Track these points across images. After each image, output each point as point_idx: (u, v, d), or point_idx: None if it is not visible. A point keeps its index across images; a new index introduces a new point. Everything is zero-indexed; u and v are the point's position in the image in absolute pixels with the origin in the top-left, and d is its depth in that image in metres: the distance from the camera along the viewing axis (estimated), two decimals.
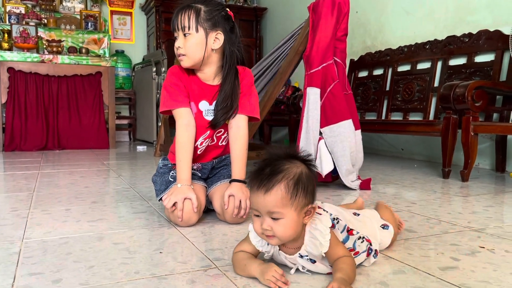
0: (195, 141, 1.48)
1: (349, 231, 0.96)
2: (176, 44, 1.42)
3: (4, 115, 4.04)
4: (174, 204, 1.36)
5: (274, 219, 0.86)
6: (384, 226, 1.11)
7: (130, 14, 5.76)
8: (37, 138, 4.14)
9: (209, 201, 1.54)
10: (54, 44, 4.30)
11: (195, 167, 1.53)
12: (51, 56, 4.17)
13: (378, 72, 3.74)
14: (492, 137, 2.85)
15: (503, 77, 2.70)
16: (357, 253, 0.96)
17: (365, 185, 2.11)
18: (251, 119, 1.55)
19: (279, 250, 0.95)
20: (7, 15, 4.53)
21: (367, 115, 3.76)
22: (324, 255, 0.90)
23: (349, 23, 2.13)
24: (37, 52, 4.29)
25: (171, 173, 1.53)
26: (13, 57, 4.03)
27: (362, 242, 0.97)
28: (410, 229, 1.37)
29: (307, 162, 0.90)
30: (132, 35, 5.79)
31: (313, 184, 0.89)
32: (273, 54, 2.32)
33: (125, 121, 5.48)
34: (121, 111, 5.57)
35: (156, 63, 4.71)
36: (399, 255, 1.11)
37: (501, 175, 2.67)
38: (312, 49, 2.07)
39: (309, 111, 2.04)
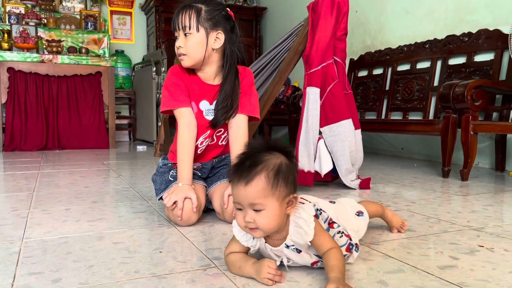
0: (196, 140, 1.48)
1: (330, 224, 0.98)
2: (177, 43, 1.43)
3: (4, 115, 4.05)
4: (175, 203, 1.37)
5: (256, 211, 0.85)
6: (359, 213, 1.13)
7: (130, 14, 5.76)
8: (37, 138, 4.14)
9: (208, 201, 1.54)
10: (54, 44, 4.30)
11: (195, 167, 1.54)
12: (51, 56, 4.17)
13: (378, 71, 3.74)
14: (491, 136, 2.85)
15: (503, 76, 2.70)
16: None
17: (364, 184, 2.11)
18: (251, 119, 1.55)
19: (265, 243, 0.95)
20: (7, 15, 4.53)
21: (367, 115, 3.76)
22: (309, 244, 0.90)
23: (348, 23, 2.14)
24: (37, 52, 4.29)
25: (171, 173, 1.53)
26: (13, 57, 4.04)
27: (341, 237, 0.98)
28: (410, 228, 1.37)
29: (287, 152, 0.90)
30: (132, 35, 5.79)
31: (294, 174, 0.89)
32: (272, 52, 2.33)
33: (125, 121, 5.49)
34: (121, 111, 5.58)
35: (156, 63, 4.71)
36: (398, 254, 1.11)
37: (501, 174, 2.67)
38: (312, 49, 2.07)
39: (309, 111, 2.04)
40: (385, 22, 3.78)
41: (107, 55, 4.72)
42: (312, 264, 0.96)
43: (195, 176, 1.51)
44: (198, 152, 1.53)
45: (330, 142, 2.05)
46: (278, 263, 0.95)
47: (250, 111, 1.52)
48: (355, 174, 2.14)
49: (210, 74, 1.49)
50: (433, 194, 1.98)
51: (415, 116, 3.30)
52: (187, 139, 1.43)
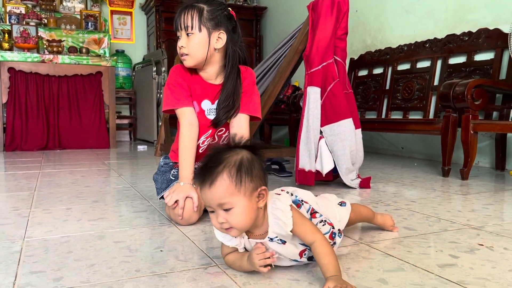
0: (197, 140, 1.49)
1: (313, 214, 0.98)
2: (179, 43, 1.43)
3: (5, 115, 4.05)
4: (176, 202, 1.37)
5: (226, 210, 0.85)
6: (342, 203, 1.14)
7: (130, 13, 5.77)
8: (37, 138, 4.15)
9: None
10: (55, 44, 4.31)
11: (196, 166, 1.54)
12: (51, 56, 4.17)
13: (378, 71, 3.74)
14: (492, 135, 2.86)
15: (503, 75, 2.71)
16: None
17: (365, 183, 2.12)
18: (252, 118, 1.56)
19: (248, 239, 0.94)
20: (7, 15, 4.54)
21: (367, 114, 3.76)
22: (291, 233, 0.89)
23: (348, 22, 2.14)
24: (38, 52, 4.30)
25: (172, 172, 1.53)
26: (14, 57, 4.04)
27: (323, 225, 0.98)
28: (410, 227, 1.38)
29: (249, 147, 0.90)
30: (132, 35, 5.80)
31: (259, 167, 0.88)
32: (275, 54, 2.33)
33: (125, 121, 5.49)
34: (121, 111, 5.58)
35: (157, 62, 4.71)
36: (398, 252, 1.12)
37: (501, 173, 2.67)
38: (312, 48, 2.07)
39: (309, 110, 2.05)
40: (385, 21, 3.78)
41: (107, 55, 4.72)
42: (300, 254, 0.95)
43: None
44: (200, 151, 1.53)
45: (330, 141, 2.05)
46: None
47: (251, 110, 1.53)
48: (355, 173, 2.14)
49: (212, 74, 1.50)
50: (433, 193, 1.99)
51: (415, 116, 3.30)
52: (188, 139, 1.44)
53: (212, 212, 0.88)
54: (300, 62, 2.24)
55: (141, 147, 4.39)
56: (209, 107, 1.50)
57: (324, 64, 2.07)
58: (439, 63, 3.15)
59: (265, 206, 0.91)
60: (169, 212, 1.44)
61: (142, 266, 1.02)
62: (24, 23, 4.39)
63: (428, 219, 1.49)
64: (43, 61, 4.14)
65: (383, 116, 3.52)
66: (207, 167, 0.86)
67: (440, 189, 2.09)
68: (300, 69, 2.35)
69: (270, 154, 2.50)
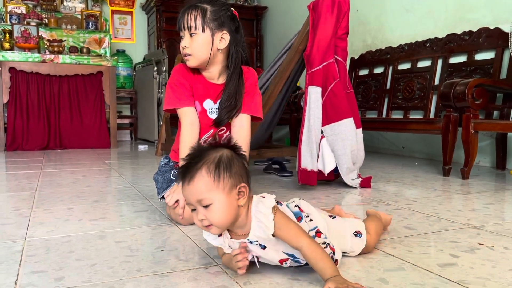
0: (199, 139, 1.49)
1: (317, 233, 0.95)
2: (182, 43, 1.43)
3: (6, 115, 4.06)
4: (176, 202, 1.37)
5: (205, 207, 0.85)
6: (357, 234, 1.07)
7: (130, 13, 5.77)
8: (38, 137, 4.16)
9: None
10: (55, 44, 4.31)
11: None
12: (52, 56, 4.18)
13: (378, 70, 3.74)
14: (492, 135, 2.86)
15: (503, 75, 2.71)
16: None
17: (365, 183, 2.12)
18: (253, 119, 1.56)
19: (231, 238, 0.94)
20: (8, 15, 4.54)
21: (368, 114, 3.76)
22: (273, 237, 0.88)
23: (349, 22, 2.14)
24: (39, 52, 4.31)
25: (172, 172, 1.54)
26: (15, 57, 4.05)
27: (325, 248, 0.94)
28: (410, 226, 1.38)
29: (230, 146, 0.90)
30: (133, 35, 5.80)
31: (239, 165, 0.88)
32: (281, 59, 2.32)
33: (126, 121, 5.50)
34: (122, 111, 5.58)
35: (157, 62, 4.71)
36: (398, 252, 1.12)
37: (502, 172, 2.67)
38: (313, 48, 2.07)
39: (310, 110, 2.05)
40: (386, 21, 3.78)
41: (108, 54, 4.72)
42: (280, 262, 0.93)
43: None
44: None
45: (331, 141, 2.05)
46: (249, 257, 0.94)
47: (253, 111, 1.53)
48: (356, 173, 2.14)
49: (215, 74, 1.50)
50: (434, 192, 1.99)
51: (416, 115, 3.30)
52: (189, 138, 1.43)
53: (194, 210, 0.88)
54: (301, 62, 2.24)
55: (142, 147, 4.39)
56: (211, 107, 1.50)
57: (325, 63, 2.07)
58: (439, 62, 3.15)
59: (249, 207, 0.90)
60: (170, 212, 1.44)
61: (143, 265, 1.03)
62: (25, 23, 4.39)
63: (428, 218, 1.49)
64: (44, 61, 4.15)
65: (384, 116, 3.52)
66: (187, 165, 0.87)
67: (441, 189, 2.09)
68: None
69: (271, 153, 2.51)
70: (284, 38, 5.20)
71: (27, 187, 2.14)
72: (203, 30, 1.40)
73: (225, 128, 1.55)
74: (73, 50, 4.44)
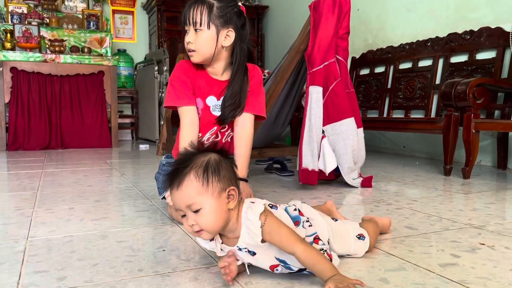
0: (202, 137, 1.49)
1: (315, 239, 0.95)
2: (187, 39, 1.41)
3: (8, 114, 4.07)
4: None
5: (195, 212, 0.84)
6: (360, 237, 1.07)
7: (131, 13, 5.77)
8: (40, 137, 4.17)
9: None
10: (57, 43, 4.32)
11: None
12: (53, 56, 4.18)
13: (379, 69, 3.74)
14: (493, 134, 2.85)
15: (505, 74, 2.70)
16: None
17: (366, 182, 2.12)
18: (257, 118, 1.55)
19: (222, 243, 0.93)
20: (9, 15, 4.55)
21: (369, 113, 3.76)
22: (262, 243, 0.86)
23: (350, 21, 2.14)
24: (40, 51, 4.31)
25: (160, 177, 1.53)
26: (16, 56, 4.05)
27: (323, 254, 0.93)
28: (411, 226, 1.38)
29: (218, 150, 0.90)
30: (134, 34, 5.80)
31: (227, 168, 0.88)
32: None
33: (127, 120, 5.50)
34: (123, 110, 5.59)
35: (158, 62, 4.72)
36: (399, 252, 1.12)
37: (503, 172, 2.67)
38: (314, 48, 2.07)
39: (311, 110, 2.05)
40: (387, 20, 3.78)
41: (109, 54, 4.73)
42: (271, 268, 0.92)
43: None
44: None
45: (332, 140, 2.05)
46: (239, 263, 0.93)
47: (257, 110, 1.52)
48: (357, 172, 2.15)
49: (219, 70, 1.48)
50: (435, 192, 1.99)
51: (417, 114, 3.30)
52: (189, 138, 1.43)
53: (184, 216, 0.87)
54: (302, 62, 2.24)
55: (143, 146, 4.40)
56: (214, 103, 1.49)
57: (326, 63, 2.07)
58: (440, 61, 3.15)
59: (240, 211, 0.89)
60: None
61: (145, 265, 1.03)
62: (26, 22, 4.40)
63: (429, 218, 1.49)
64: (45, 61, 4.15)
65: (385, 115, 3.52)
66: (174, 170, 0.86)
67: (442, 188, 2.09)
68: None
69: (272, 153, 2.51)
70: (285, 38, 5.20)
71: (29, 186, 2.14)
72: (209, 27, 1.38)
73: (226, 126, 1.54)
74: (74, 49, 4.45)
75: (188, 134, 1.44)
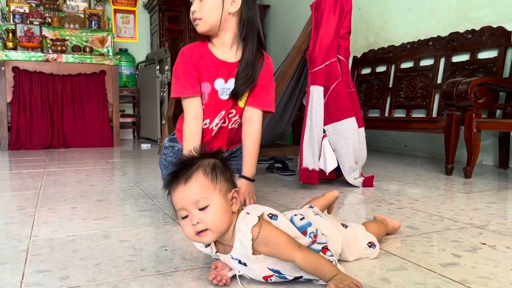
0: (210, 123, 1.44)
1: (323, 249, 0.93)
2: (192, 8, 1.38)
3: (10, 114, 4.08)
4: None
5: (201, 209, 0.82)
6: (371, 245, 1.07)
7: (133, 12, 5.78)
8: (42, 136, 4.18)
9: None
10: (58, 43, 4.33)
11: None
12: (55, 55, 4.19)
13: (381, 69, 3.74)
14: (495, 134, 2.85)
15: (506, 73, 2.70)
16: None
17: (368, 182, 2.12)
18: (265, 111, 1.50)
19: (216, 252, 0.92)
20: (11, 14, 4.56)
21: (370, 112, 3.76)
22: (253, 256, 0.85)
23: (351, 20, 2.14)
24: (42, 51, 4.32)
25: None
26: (18, 56, 4.06)
27: (322, 256, 0.92)
28: (413, 226, 1.38)
29: (218, 156, 0.89)
30: (135, 34, 5.81)
31: (230, 172, 0.88)
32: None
33: (129, 119, 5.51)
34: (125, 109, 5.60)
35: (160, 61, 4.73)
36: (401, 251, 1.12)
37: (504, 171, 2.67)
38: (315, 47, 2.08)
39: (312, 109, 2.05)
40: (388, 19, 3.77)
41: (111, 53, 4.74)
42: (265, 278, 0.90)
43: None
44: (212, 134, 1.47)
45: (333, 140, 2.06)
46: (231, 273, 0.93)
47: (266, 105, 1.47)
48: (358, 172, 2.15)
49: (227, 41, 1.42)
50: (436, 191, 1.99)
51: (418, 114, 3.30)
52: (193, 131, 1.40)
53: (185, 217, 0.84)
54: (303, 61, 2.24)
55: (145, 146, 4.40)
56: (222, 87, 1.42)
57: (327, 63, 2.07)
58: (442, 61, 3.15)
59: (236, 220, 0.87)
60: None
61: (147, 265, 1.03)
62: (28, 22, 4.41)
63: (431, 218, 1.49)
64: (47, 60, 4.16)
65: (386, 114, 3.52)
66: (180, 170, 0.85)
67: (443, 188, 2.09)
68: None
69: (273, 152, 2.51)
70: (286, 37, 5.20)
71: (31, 186, 2.15)
72: None
73: (234, 111, 1.47)
74: (76, 49, 4.45)
75: (192, 128, 1.41)
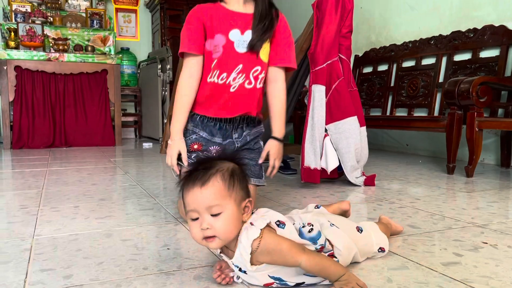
0: (227, 77, 1.36)
1: (330, 255, 0.93)
2: None
3: (12, 113, 4.09)
4: (179, 165, 1.33)
5: (213, 216, 0.81)
6: (381, 250, 1.08)
7: (135, 11, 5.79)
8: (44, 135, 4.19)
9: None
10: (60, 42, 4.33)
11: (213, 122, 1.39)
12: (57, 54, 4.20)
13: (382, 68, 3.73)
14: (497, 133, 2.85)
15: (508, 72, 2.70)
16: None
17: (369, 181, 2.12)
18: (287, 69, 1.47)
19: (220, 253, 0.92)
20: (13, 13, 4.56)
21: (372, 111, 3.76)
22: (250, 268, 0.84)
23: (353, 19, 2.14)
24: (44, 50, 4.33)
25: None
26: (20, 55, 4.07)
27: (327, 256, 0.92)
28: (414, 225, 1.38)
29: (236, 161, 0.88)
30: (137, 33, 5.82)
31: (247, 181, 0.87)
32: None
33: (130, 118, 5.52)
34: (126, 108, 5.61)
35: (161, 60, 4.73)
36: (402, 250, 1.13)
37: (506, 170, 2.67)
38: (317, 47, 2.08)
39: (314, 108, 2.06)
40: (390, 18, 3.77)
41: (112, 52, 4.75)
42: (266, 286, 0.89)
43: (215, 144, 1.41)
44: (231, 90, 1.36)
45: (335, 139, 2.06)
46: (235, 277, 0.93)
47: (287, 61, 1.43)
48: (360, 171, 2.15)
49: None
50: (438, 190, 1.99)
51: (420, 113, 3.29)
52: (187, 88, 1.36)
53: (195, 219, 0.83)
54: (304, 61, 2.25)
55: (147, 145, 4.41)
56: (238, 38, 1.35)
57: (329, 62, 2.07)
58: (444, 60, 3.15)
59: (241, 229, 0.86)
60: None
61: (150, 264, 1.04)
62: (30, 21, 4.42)
63: (432, 217, 1.49)
64: (49, 59, 4.17)
65: (388, 113, 3.52)
66: (198, 169, 0.84)
67: (445, 187, 2.09)
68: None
69: None
70: None
71: (34, 185, 2.16)
72: None
73: (259, 68, 1.39)
74: (78, 48, 4.46)
75: (187, 85, 1.37)
